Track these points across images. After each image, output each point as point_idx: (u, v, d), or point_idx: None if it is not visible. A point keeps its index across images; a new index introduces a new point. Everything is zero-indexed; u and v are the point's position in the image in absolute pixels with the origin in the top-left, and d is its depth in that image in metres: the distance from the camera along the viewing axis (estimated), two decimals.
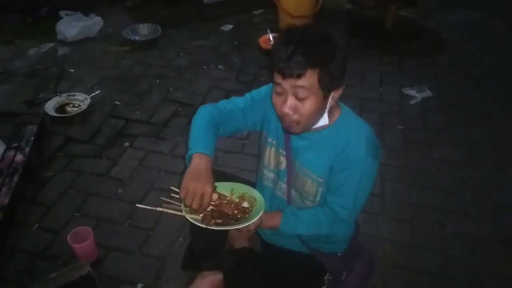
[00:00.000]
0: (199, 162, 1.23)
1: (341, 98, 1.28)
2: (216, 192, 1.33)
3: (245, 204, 1.34)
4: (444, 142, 2.58)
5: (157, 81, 3.09)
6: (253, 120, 1.46)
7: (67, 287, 1.53)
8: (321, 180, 1.34)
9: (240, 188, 1.40)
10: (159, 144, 2.50)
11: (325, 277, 1.56)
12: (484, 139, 2.60)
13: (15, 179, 2.05)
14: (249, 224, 1.25)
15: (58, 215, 2.03)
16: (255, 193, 1.39)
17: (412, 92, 2.99)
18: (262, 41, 3.44)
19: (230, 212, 1.28)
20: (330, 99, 1.22)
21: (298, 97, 1.17)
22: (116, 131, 2.59)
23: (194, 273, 1.70)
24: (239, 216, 1.29)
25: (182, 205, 1.26)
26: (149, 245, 1.90)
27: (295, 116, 1.20)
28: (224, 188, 1.37)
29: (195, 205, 1.17)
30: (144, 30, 3.63)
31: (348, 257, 1.57)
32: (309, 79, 1.13)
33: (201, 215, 1.27)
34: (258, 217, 1.26)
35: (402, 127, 2.69)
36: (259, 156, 1.56)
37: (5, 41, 3.51)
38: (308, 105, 1.18)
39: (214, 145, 1.33)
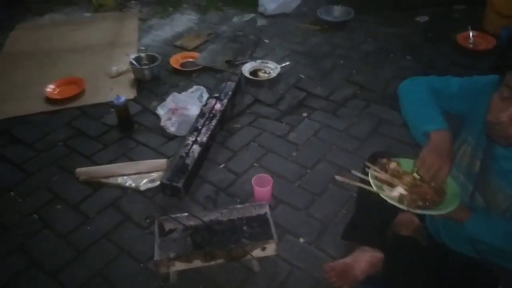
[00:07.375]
0: (442, 139, 1.22)
1: None
2: (400, 169, 1.31)
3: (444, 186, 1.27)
4: None
5: (341, 61, 3.17)
6: (457, 108, 1.38)
7: (246, 220, 1.76)
8: None
9: None
10: (334, 121, 2.59)
11: None
12: None
13: (213, 123, 2.40)
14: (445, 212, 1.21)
15: (241, 161, 2.32)
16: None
17: None
18: (460, 37, 3.21)
19: (429, 196, 1.23)
20: None
21: None
22: (298, 101, 2.77)
23: (352, 245, 1.76)
24: (436, 200, 1.23)
25: (373, 185, 1.25)
26: (314, 208, 2.03)
27: (510, 130, 1.08)
28: (408, 164, 1.32)
29: (427, 177, 1.19)
30: (337, 12, 3.73)
31: None
32: None
33: (397, 193, 1.25)
34: (456, 205, 1.20)
35: None
36: None
37: (215, 8, 4.04)
38: None
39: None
